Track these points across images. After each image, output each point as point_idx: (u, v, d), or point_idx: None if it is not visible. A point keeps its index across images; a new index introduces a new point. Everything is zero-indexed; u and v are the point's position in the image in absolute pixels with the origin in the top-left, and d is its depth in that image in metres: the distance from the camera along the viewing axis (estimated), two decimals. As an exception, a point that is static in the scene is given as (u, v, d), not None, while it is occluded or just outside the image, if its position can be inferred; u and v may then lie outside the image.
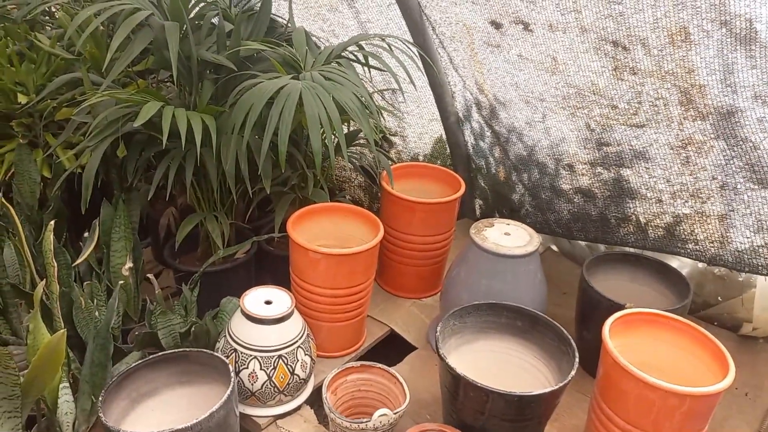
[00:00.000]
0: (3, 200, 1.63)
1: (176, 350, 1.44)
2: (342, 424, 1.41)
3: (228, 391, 1.30)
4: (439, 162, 2.48)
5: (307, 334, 1.59)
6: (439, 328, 1.46)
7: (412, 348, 1.87)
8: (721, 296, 1.95)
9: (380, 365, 1.57)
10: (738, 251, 1.78)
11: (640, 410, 1.27)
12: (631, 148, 1.81)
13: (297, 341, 1.53)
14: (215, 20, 1.82)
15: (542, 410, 1.36)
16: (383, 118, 2.44)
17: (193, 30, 1.71)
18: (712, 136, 1.63)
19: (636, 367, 1.25)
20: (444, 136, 2.42)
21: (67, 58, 1.90)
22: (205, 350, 1.44)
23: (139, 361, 1.40)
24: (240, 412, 1.46)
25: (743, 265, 1.79)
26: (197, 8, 1.83)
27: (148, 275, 1.71)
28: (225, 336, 1.54)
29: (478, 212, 2.55)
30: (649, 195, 1.87)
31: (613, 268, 1.82)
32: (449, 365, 1.34)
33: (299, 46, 1.82)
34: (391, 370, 1.56)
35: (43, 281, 1.36)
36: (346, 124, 2.08)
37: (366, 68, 1.97)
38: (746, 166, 1.62)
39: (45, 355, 1.22)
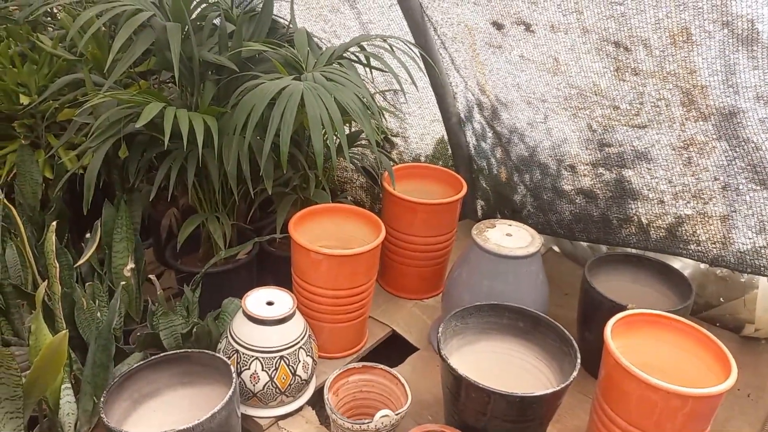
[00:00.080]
0: (5, 201, 1.64)
1: (178, 351, 1.44)
2: (344, 425, 1.41)
3: (230, 392, 1.30)
4: (440, 163, 2.48)
5: (309, 335, 1.59)
6: (440, 329, 1.46)
7: (414, 349, 1.87)
8: (723, 297, 1.95)
9: (382, 366, 1.57)
10: (740, 252, 1.77)
11: (642, 411, 1.27)
12: (632, 148, 1.81)
13: (299, 342, 1.53)
14: (217, 21, 1.82)
15: (544, 411, 1.36)
16: (385, 118, 2.43)
17: (195, 31, 1.72)
18: (714, 136, 1.63)
19: (638, 368, 1.25)
20: (446, 137, 2.42)
21: (69, 59, 1.90)
22: (206, 351, 1.44)
23: (141, 362, 1.40)
24: (242, 413, 1.46)
25: (745, 266, 1.79)
26: (199, 9, 1.83)
27: (150, 276, 1.71)
28: (227, 337, 1.54)
29: (479, 213, 2.54)
30: (651, 196, 1.87)
31: (615, 269, 1.82)
32: (451, 366, 1.34)
33: (301, 47, 1.82)
34: (393, 371, 1.56)
35: (45, 282, 1.37)
36: (347, 124, 2.08)
37: (368, 69, 1.97)
38: (748, 167, 1.62)
39: (47, 356, 1.22)
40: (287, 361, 1.50)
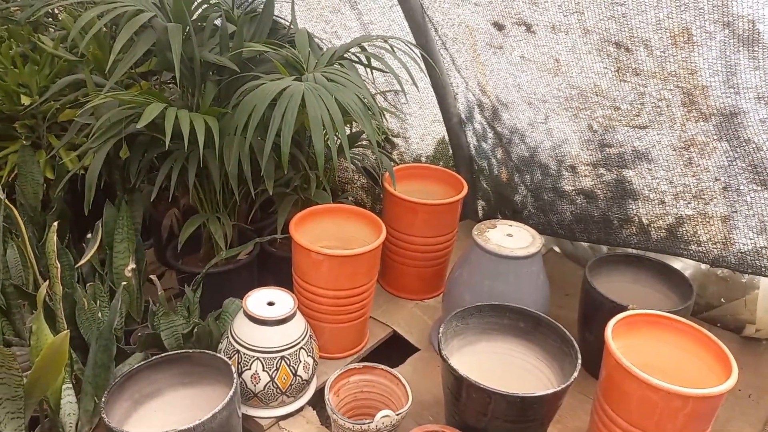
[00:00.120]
0: (6, 201, 1.64)
1: (179, 351, 1.44)
2: (344, 426, 1.41)
3: (230, 392, 1.30)
4: (441, 163, 2.48)
5: (310, 335, 1.59)
6: (441, 330, 1.46)
7: (415, 349, 1.87)
8: (724, 298, 1.95)
9: (383, 366, 1.57)
10: (741, 252, 1.77)
11: (643, 412, 1.27)
12: (633, 149, 1.81)
13: (299, 342, 1.53)
14: (218, 22, 1.82)
15: (545, 412, 1.36)
16: (386, 119, 2.44)
17: (196, 32, 1.72)
18: (715, 137, 1.63)
19: (639, 368, 1.25)
20: (446, 138, 2.42)
21: (71, 60, 1.91)
22: (207, 351, 1.44)
23: (142, 362, 1.40)
24: (242, 413, 1.46)
25: (746, 267, 1.79)
26: (200, 10, 1.83)
27: (151, 276, 1.71)
28: (227, 337, 1.54)
29: (480, 213, 2.54)
30: (651, 196, 1.87)
31: (615, 270, 1.82)
32: (452, 366, 1.34)
33: (302, 48, 1.82)
34: (394, 371, 1.56)
35: (46, 282, 1.37)
36: (348, 125, 2.08)
37: (368, 69, 1.97)
38: (749, 168, 1.62)
39: (48, 356, 1.22)
40: (288, 362, 1.51)
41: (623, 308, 1.53)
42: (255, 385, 1.50)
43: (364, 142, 2.15)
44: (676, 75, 1.58)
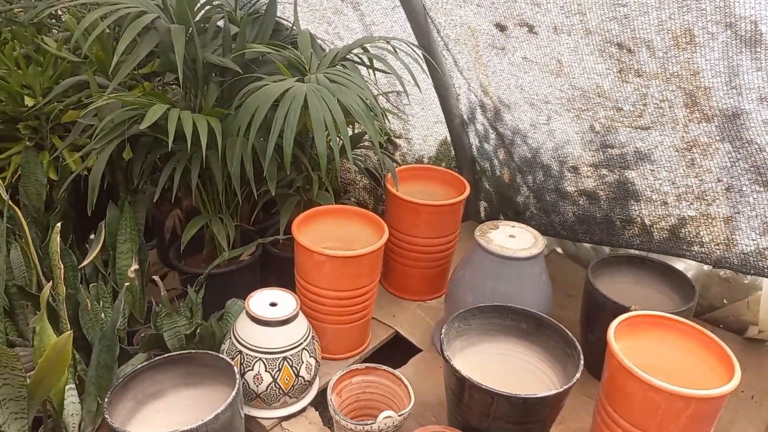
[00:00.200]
0: (10, 202, 1.64)
1: (182, 352, 1.45)
2: (347, 426, 1.41)
3: (233, 393, 1.30)
4: (443, 164, 2.49)
5: (312, 336, 1.59)
6: (443, 331, 1.46)
7: (417, 350, 1.87)
8: (726, 299, 1.94)
9: (385, 367, 1.57)
10: (743, 253, 1.77)
11: (646, 413, 1.26)
12: (636, 150, 1.81)
13: (302, 343, 1.53)
14: (221, 23, 1.83)
15: (547, 413, 1.36)
16: (388, 120, 2.44)
17: (199, 33, 1.72)
18: (718, 138, 1.63)
19: (641, 369, 1.25)
20: (449, 139, 2.42)
21: (74, 61, 1.91)
22: (210, 352, 1.45)
23: (145, 363, 1.40)
24: (245, 414, 1.46)
25: (749, 268, 1.79)
26: (203, 11, 1.83)
27: (154, 277, 1.72)
28: (230, 338, 1.54)
29: (482, 214, 2.54)
30: (654, 197, 1.87)
31: (618, 271, 1.82)
32: (454, 367, 1.34)
33: (304, 49, 1.83)
34: (396, 372, 1.56)
35: (50, 283, 1.37)
36: (350, 126, 2.09)
37: (371, 71, 1.97)
38: (752, 168, 1.62)
39: (51, 357, 1.22)
40: (290, 362, 1.51)
41: (626, 309, 1.53)
42: (257, 386, 1.50)
43: (366, 143, 2.16)
44: (679, 76, 1.58)
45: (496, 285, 1.64)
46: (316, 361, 1.58)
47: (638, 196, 1.90)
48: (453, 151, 2.44)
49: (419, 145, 2.54)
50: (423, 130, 2.49)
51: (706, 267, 1.95)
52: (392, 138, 2.54)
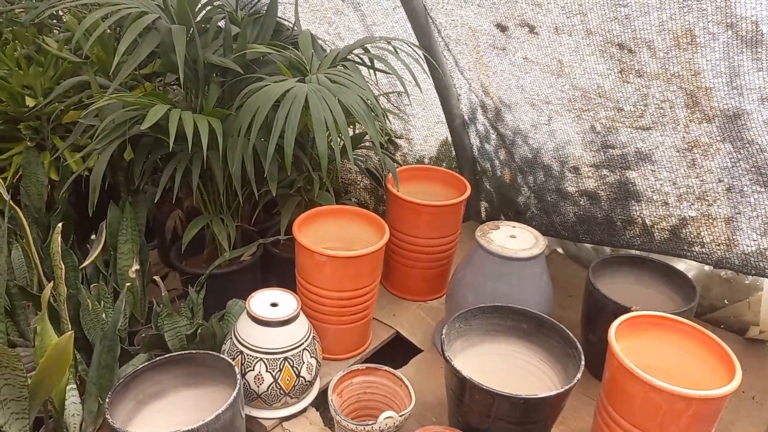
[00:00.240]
0: (11, 203, 1.64)
1: (182, 352, 1.45)
2: (348, 427, 1.41)
3: (234, 393, 1.30)
4: (444, 164, 2.49)
5: (313, 336, 1.59)
6: (444, 331, 1.46)
7: (418, 350, 1.87)
8: (727, 299, 1.94)
9: (386, 368, 1.57)
10: (744, 254, 1.77)
11: (647, 413, 1.26)
12: (636, 150, 1.81)
13: (303, 343, 1.53)
14: (222, 23, 1.83)
15: (548, 413, 1.36)
16: (389, 120, 2.44)
17: (200, 33, 1.72)
18: (719, 138, 1.63)
19: (642, 370, 1.25)
20: (449, 139, 2.42)
21: (75, 62, 1.91)
22: (211, 352, 1.45)
23: (146, 363, 1.40)
24: (246, 414, 1.46)
25: (750, 268, 1.78)
26: (204, 11, 1.83)
27: (155, 277, 1.72)
28: (231, 338, 1.54)
29: (483, 215, 2.54)
30: (655, 197, 1.87)
31: (619, 271, 1.82)
32: (455, 368, 1.34)
33: (305, 49, 1.83)
34: (397, 372, 1.56)
35: (51, 283, 1.37)
36: (351, 126, 2.09)
37: (372, 71, 1.97)
38: (753, 169, 1.62)
39: (52, 357, 1.22)
40: (291, 363, 1.51)
41: (626, 310, 1.53)
42: (258, 386, 1.50)
43: (367, 144, 2.16)
44: (680, 76, 1.58)
45: (497, 285, 1.64)
46: (317, 361, 1.59)
47: (639, 196, 1.90)
48: (454, 151, 2.44)
49: (420, 145, 2.54)
50: (424, 130, 2.50)
51: (707, 267, 1.95)
52: (393, 138, 2.54)
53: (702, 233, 1.82)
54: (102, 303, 1.64)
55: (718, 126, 1.60)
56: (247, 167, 1.64)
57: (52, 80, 1.92)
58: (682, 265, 1.92)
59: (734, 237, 1.76)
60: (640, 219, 1.95)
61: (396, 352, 1.90)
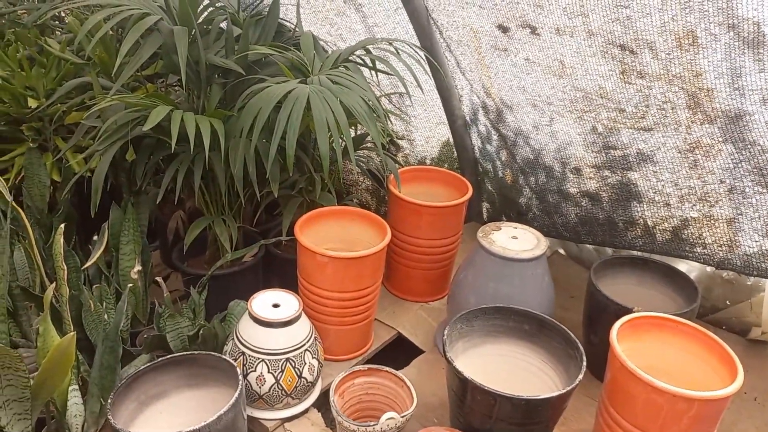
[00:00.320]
0: (13, 203, 1.65)
1: (184, 353, 1.45)
2: (349, 428, 1.41)
3: (236, 394, 1.30)
4: (446, 165, 2.49)
5: (315, 337, 1.59)
6: (446, 332, 1.46)
7: (420, 351, 1.87)
8: (729, 300, 1.94)
9: (388, 368, 1.57)
10: (746, 255, 1.77)
11: (648, 414, 1.26)
12: (638, 151, 1.81)
13: (304, 344, 1.54)
14: (224, 25, 1.83)
15: (550, 414, 1.36)
16: (390, 121, 2.44)
17: (202, 34, 1.72)
18: (720, 139, 1.63)
19: (644, 371, 1.25)
20: (451, 140, 2.42)
21: (77, 63, 1.91)
22: (213, 353, 1.45)
23: (148, 364, 1.40)
24: (248, 415, 1.46)
25: (752, 269, 1.78)
26: (206, 13, 1.84)
27: (157, 278, 1.72)
28: (233, 339, 1.54)
29: (485, 216, 2.54)
30: (656, 198, 1.87)
31: (620, 272, 1.82)
32: (456, 369, 1.34)
33: (307, 51, 1.83)
34: (399, 373, 1.56)
35: (53, 284, 1.37)
36: (353, 127, 2.09)
37: (373, 72, 1.97)
38: (754, 170, 1.62)
39: (55, 358, 1.22)
40: (293, 364, 1.51)
41: (628, 311, 1.53)
42: (260, 387, 1.50)
43: (368, 145, 2.16)
44: (681, 77, 1.58)
45: (499, 286, 1.64)
46: (319, 362, 1.59)
47: (641, 197, 1.90)
48: (455, 152, 2.44)
49: (422, 146, 2.55)
50: (425, 131, 2.50)
51: (708, 268, 1.95)
52: (395, 139, 2.54)
53: (704, 234, 1.82)
54: (104, 304, 1.64)
55: (720, 127, 1.60)
56: (249, 168, 1.64)
57: (55, 81, 1.92)
58: (683, 266, 1.92)
59: (736, 238, 1.76)
60: (641, 220, 1.95)
61: (397, 353, 1.90)
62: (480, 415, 1.35)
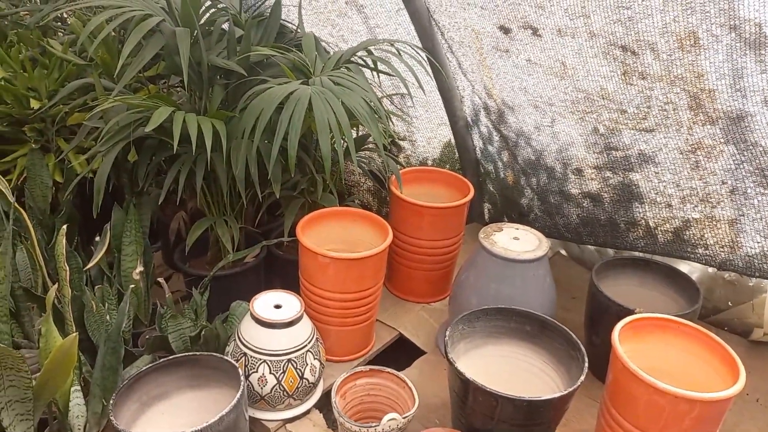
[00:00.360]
0: (15, 204, 1.65)
1: (186, 354, 1.45)
2: (351, 429, 1.41)
3: (238, 395, 1.30)
4: (447, 166, 2.49)
5: (317, 338, 1.59)
6: (448, 333, 1.46)
7: (421, 352, 1.87)
8: (731, 301, 1.94)
9: (389, 369, 1.57)
10: (748, 256, 1.77)
11: (650, 415, 1.26)
12: (640, 152, 1.81)
13: (306, 345, 1.54)
14: (225, 26, 1.84)
15: (551, 415, 1.36)
16: (392, 122, 2.44)
17: (204, 36, 1.73)
18: (722, 140, 1.63)
19: (646, 372, 1.25)
20: (453, 141, 2.42)
21: (79, 64, 1.92)
22: (215, 354, 1.45)
23: (150, 365, 1.40)
24: (249, 416, 1.46)
25: (754, 270, 1.78)
26: (208, 14, 1.84)
27: (159, 279, 1.72)
28: (235, 340, 1.54)
29: (486, 216, 2.54)
30: (658, 199, 1.87)
31: (622, 273, 1.82)
32: (458, 370, 1.34)
33: (309, 52, 1.83)
34: (400, 374, 1.56)
35: (55, 285, 1.38)
36: (355, 128, 2.09)
37: (375, 73, 1.98)
38: (756, 171, 1.62)
39: (57, 359, 1.23)
40: (295, 364, 1.51)
41: (630, 312, 1.53)
42: (262, 388, 1.50)
43: (370, 146, 2.16)
44: (683, 78, 1.58)
45: (500, 287, 1.64)
46: (321, 363, 1.59)
47: (642, 198, 1.90)
48: (457, 153, 2.44)
49: (423, 147, 2.55)
50: (427, 132, 2.50)
51: (710, 269, 1.94)
52: (396, 140, 2.54)
53: (705, 235, 1.82)
54: (106, 305, 1.64)
55: (722, 128, 1.60)
56: (251, 169, 1.64)
57: (57, 82, 1.93)
58: (685, 267, 1.92)
59: (738, 239, 1.76)
60: (643, 221, 1.95)
61: (399, 353, 1.90)
62: (482, 416, 1.35)
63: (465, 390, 1.35)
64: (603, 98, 1.76)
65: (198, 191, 1.73)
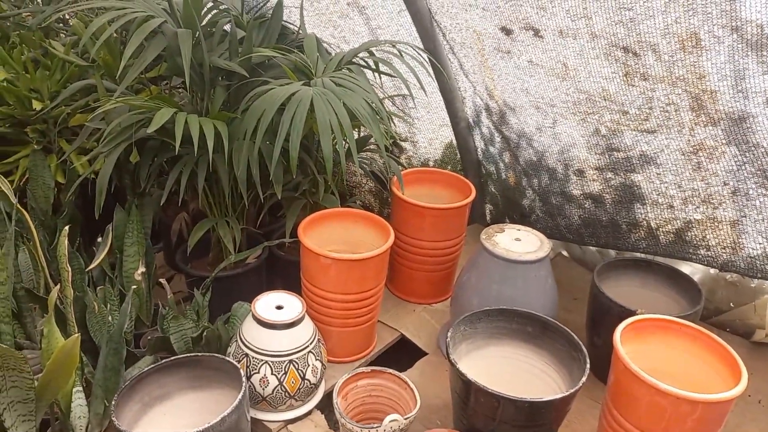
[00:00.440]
0: (18, 205, 1.65)
1: (188, 355, 1.45)
2: (353, 430, 1.41)
3: (239, 396, 1.30)
4: (449, 167, 2.49)
5: (318, 339, 1.59)
6: (449, 334, 1.46)
7: (423, 353, 1.87)
8: (733, 302, 1.94)
9: (391, 370, 1.57)
10: (750, 257, 1.77)
11: (652, 417, 1.26)
12: (641, 153, 1.81)
13: (308, 346, 1.54)
14: (227, 27, 1.84)
15: (553, 416, 1.36)
16: (394, 123, 2.44)
17: (206, 37, 1.73)
18: (724, 141, 1.62)
19: (647, 373, 1.25)
20: (454, 142, 2.42)
21: (81, 65, 1.92)
22: (216, 355, 1.45)
23: (152, 366, 1.41)
24: (251, 417, 1.46)
25: (755, 272, 1.78)
26: (209, 15, 1.84)
27: (161, 280, 1.72)
28: (236, 341, 1.55)
29: (488, 218, 2.54)
30: (660, 200, 1.87)
31: (624, 274, 1.81)
32: (460, 371, 1.34)
33: (310, 53, 1.83)
34: (402, 375, 1.56)
35: (58, 286, 1.38)
36: (356, 129, 2.09)
37: (376, 74, 1.98)
38: (758, 172, 1.62)
39: (59, 360, 1.23)
40: (296, 365, 1.51)
41: (632, 313, 1.53)
42: (263, 389, 1.50)
43: (372, 147, 2.16)
44: (685, 79, 1.58)
45: (502, 288, 1.64)
46: (322, 364, 1.59)
47: (644, 199, 1.90)
48: (458, 154, 2.44)
49: (425, 148, 2.55)
50: (428, 133, 2.50)
51: (712, 270, 1.94)
52: (398, 141, 2.54)
53: (707, 236, 1.82)
54: (108, 305, 1.64)
55: (724, 129, 1.60)
56: (253, 170, 1.64)
57: (59, 84, 1.93)
58: (687, 268, 1.91)
59: (740, 240, 1.76)
60: (645, 222, 1.95)
61: (401, 354, 1.90)
62: (483, 417, 1.35)
63: (466, 391, 1.35)
64: (604, 99, 1.76)
65: (200, 192, 1.73)
